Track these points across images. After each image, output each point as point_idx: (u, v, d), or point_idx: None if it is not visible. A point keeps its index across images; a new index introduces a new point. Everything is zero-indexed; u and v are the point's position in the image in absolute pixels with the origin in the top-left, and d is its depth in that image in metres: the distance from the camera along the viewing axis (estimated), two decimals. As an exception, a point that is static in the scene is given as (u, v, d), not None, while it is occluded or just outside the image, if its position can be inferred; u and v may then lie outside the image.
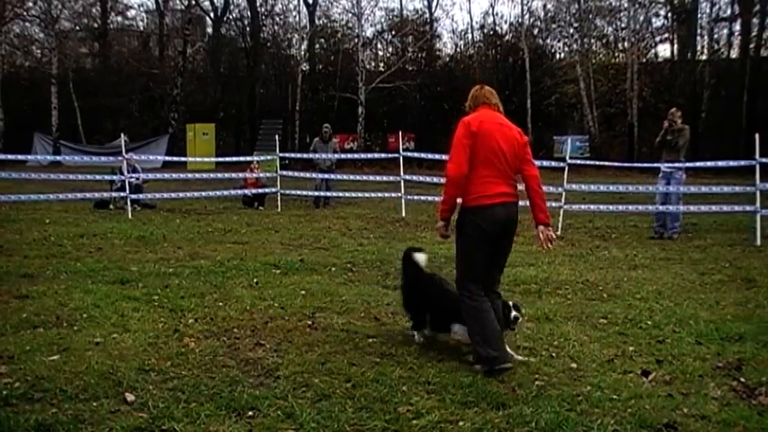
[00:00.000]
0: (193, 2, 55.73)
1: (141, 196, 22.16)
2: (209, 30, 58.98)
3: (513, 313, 7.61)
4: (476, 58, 56.64)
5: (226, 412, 6.05)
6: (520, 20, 54.53)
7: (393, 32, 58.58)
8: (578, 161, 26.27)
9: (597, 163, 27.69)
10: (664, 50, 54.58)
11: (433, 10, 57.62)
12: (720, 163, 21.03)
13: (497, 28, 57.05)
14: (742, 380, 7.13)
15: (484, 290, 7.38)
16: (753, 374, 7.32)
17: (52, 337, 8.04)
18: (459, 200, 7.42)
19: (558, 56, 56.19)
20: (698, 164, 21.93)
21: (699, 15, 50.24)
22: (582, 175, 24.60)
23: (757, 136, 18.04)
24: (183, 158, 34.59)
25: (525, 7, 54.96)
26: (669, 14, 52.15)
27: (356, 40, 54.31)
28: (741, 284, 11.88)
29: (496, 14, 74.42)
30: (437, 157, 25.61)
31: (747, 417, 6.26)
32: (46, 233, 16.36)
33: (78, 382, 6.60)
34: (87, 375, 6.79)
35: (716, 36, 51.38)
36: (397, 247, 15.27)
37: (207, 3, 56.86)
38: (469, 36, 58.50)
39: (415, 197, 22.42)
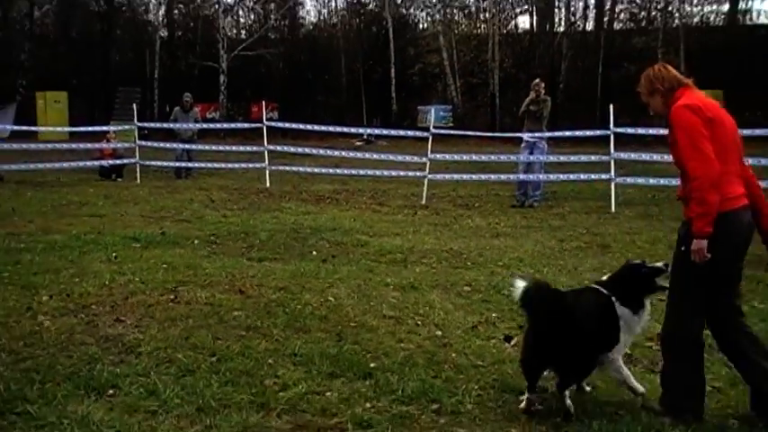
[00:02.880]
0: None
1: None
2: (59, -9, 57.20)
3: None
4: (339, 26, 56.67)
5: (84, 391, 5.89)
6: (384, -11, 54.75)
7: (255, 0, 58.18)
8: (442, 131, 26.64)
9: (460, 132, 28.11)
10: (524, 22, 55.51)
11: (297, -22, 57.34)
12: (578, 133, 21.73)
13: (362, -2, 57.21)
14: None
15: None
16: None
17: None
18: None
19: (421, 26, 56.76)
20: (557, 134, 22.43)
21: (556, -11, 51.27)
22: (445, 145, 24.87)
23: (612, 107, 18.67)
24: (33, 128, 33.55)
25: (389, -23, 55.20)
26: (529, -13, 53.05)
27: (217, 7, 53.76)
28: (597, 250, 12.16)
29: (360, -16, 74.62)
30: (301, 126, 25.56)
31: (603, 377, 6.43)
32: None
33: (-74, 365, 6.39)
34: (-71, 358, 6.58)
35: (572, 9, 52.45)
36: (261, 218, 15.20)
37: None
38: (333, 4, 58.51)
39: (280, 167, 22.28)
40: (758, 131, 19.23)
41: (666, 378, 5.77)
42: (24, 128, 31.32)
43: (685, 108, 5.51)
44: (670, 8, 48.34)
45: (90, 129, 26.56)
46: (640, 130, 20.91)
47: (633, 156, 18.98)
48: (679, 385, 5.64)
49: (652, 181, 18.43)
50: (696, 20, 49.67)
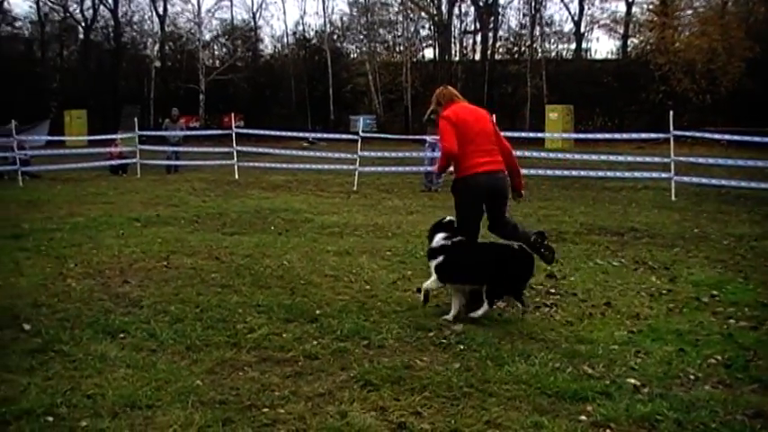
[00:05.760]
0: (68, 14, 54.07)
1: (29, 168, 21.09)
2: (81, 36, 56.18)
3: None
4: (290, 57, 56.08)
5: (102, 335, 5.90)
6: (323, 28, 54.50)
7: (226, 37, 57.60)
8: (368, 135, 26.59)
9: (382, 135, 28.12)
10: (429, 53, 55.39)
11: (257, 20, 56.87)
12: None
13: (306, 34, 56.77)
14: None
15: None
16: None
17: (-40, 283, 7.64)
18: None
19: (351, 55, 56.34)
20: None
21: (452, 29, 51.31)
22: (371, 145, 24.87)
23: (494, 116, 18.81)
24: (62, 138, 32.90)
25: (327, 19, 55.01)
26: (432, 27, 52.98)
27: (197, 43, 53.23)
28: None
29: (305, 24, 73.51)
30: (261, 132, 25.44)
31: (489, 316, 6.55)
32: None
33: (-16, 317, 6.33)
34: (-9, 311, 6.50)
35: (465, 44, 52.58)
36: (232, 203, 15.11)
37: (79, 15, 54.55)
38: (285, 40, 57.86)
39: (245, 164, 22.05)
40: (599, 135, 19.60)
41: None
42: (55, 138, 30.72)
43: (443, 117, 6.88)
44: (535, 45, 48.84)
45: (103, 137, 26.13)
46: (515, 133, 21.29)
47: (510, 152, 19.15)
48: None
49: (524, 171, 18.40)
50: (553, 54, 50.36)
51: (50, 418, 4.37)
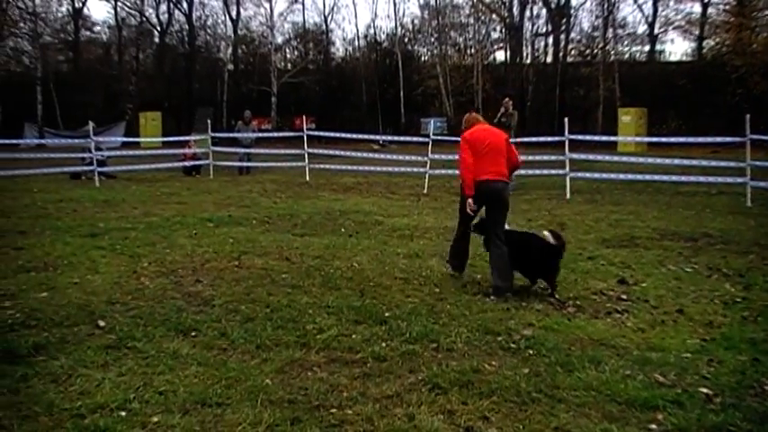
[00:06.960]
0: (144, 18, 55.30)
1: (106, 169, 21.57)
2: (157, 40, 57.48)
3: None
4: (361, 59, 56.43)
5: (174, 333, 6.02)
6: (394, 31, 54.79)
7: (298, 40, 58.29)
8: (439, 137, 26.52)
9: (453, 138, 27.91)
10: (500, 56, 55.08)
11: (329, 23, 57.37)
12: (541, 139, 21.55)
13: (377, 37, 57.11)
14: (556, 296, 7.34)
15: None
16: (564, 292, 7.55)
17: (41, 279, 7.87)
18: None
19: (422, 58, 56.35)
20: (525, 139, 22.29)
21: (524, 31, 50.94)
22: (441, 148, 24.75)
23: (566, 119, 18.62)
24: (137, 139, 33.63)
25: (398, 21, 55.49)
26: (503, 29, 52.66)
27: (270, 46, 53.88)
28: (557, 227, 12.01)
29: (377, 27, 73.85)
30: (332, 134, 25.71)
31: (559, 322, 6.48)
32: (34, 199, 15.76)
33: (62, 313, 6.51)
34: (68, 307, 6.69)
35: (536, 46, 52.14)
36: (302, 204, 15.22)
37: (154, 19, 55.92)
38: (356, 43, 58.25)
39: (316, 165, 22.20)
40: (673, 139, 19.20)
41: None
42: (130, 139, 31.51)
43: (463, 138, 8.12)
44: (608, 47, 48.11)
45: (177, 139, 26.61)
46: (587, 137, 21.04)
47: (582, 156, 18.94)
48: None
49: (596, 175, 18.37)
50: (626, 56, 49.46)
51: (123, 413, 4.48)
